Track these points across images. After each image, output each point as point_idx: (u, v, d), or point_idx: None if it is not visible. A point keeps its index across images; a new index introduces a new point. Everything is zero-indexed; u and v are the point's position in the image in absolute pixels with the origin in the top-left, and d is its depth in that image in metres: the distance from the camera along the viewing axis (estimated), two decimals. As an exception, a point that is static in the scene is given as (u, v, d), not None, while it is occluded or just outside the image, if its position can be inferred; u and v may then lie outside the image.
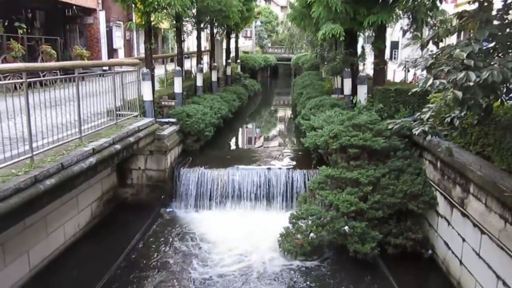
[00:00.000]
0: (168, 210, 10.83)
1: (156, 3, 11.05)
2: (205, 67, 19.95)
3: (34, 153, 6.22)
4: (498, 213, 5.88)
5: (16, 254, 7.01)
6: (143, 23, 11.86)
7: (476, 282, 6.55)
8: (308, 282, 7.80)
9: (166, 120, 12.08)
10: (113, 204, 10.63)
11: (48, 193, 6.09)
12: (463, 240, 7.01)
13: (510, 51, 4.91)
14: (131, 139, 9.24)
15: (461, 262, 7.11)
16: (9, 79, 9.01)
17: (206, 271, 8.12)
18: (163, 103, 12.68)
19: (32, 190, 5.69)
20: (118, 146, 8.46)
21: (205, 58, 21.14)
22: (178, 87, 13.88)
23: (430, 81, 4.84)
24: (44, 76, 12.42)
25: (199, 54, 18.30)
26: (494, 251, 6.00)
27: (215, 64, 19.78)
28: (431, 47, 5.40)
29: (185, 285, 7.61)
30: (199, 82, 17.14)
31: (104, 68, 13.13)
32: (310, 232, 8.49)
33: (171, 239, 9.40)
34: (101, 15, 21.39)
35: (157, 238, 9.43)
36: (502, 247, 5.74)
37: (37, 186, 5.80)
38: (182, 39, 16.60)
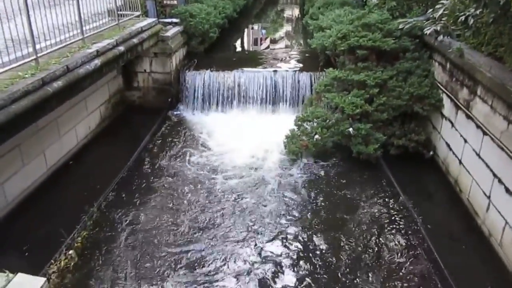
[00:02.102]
0: (175, 112, 11.00)
1: None
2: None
3: (38, 55, 6.16)
4: (503, 115, 5.92)
5: (33, 154, 7.32)
6: None
7: (472, 180, 6.83)
8: (310, 180, 8.19)
9: (169, 20, 11.66)
10: (121, 107, 10.77)
11: (57, 95, 6.17)
12: (465, 141, 7.16)
13: None
14: (135, 40, 9.05)
15: (460, 162, 7.34)
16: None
17: (213, 168, 8.51)
18: (165, 2, 12.11)
19: (41, 92, 5.76)
20: (122, 48, 8.32)
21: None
22: (180, -16, 13.14)
23: (447, -25, 4.54)
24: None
25: None
26: (494, 152, 6.16)
27: (219, -42, 18.45)
28: None
29: (195, 182, 8.03)
30: (202, -22, 16.16)
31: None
32: (315, 134, 8.68)
33: (179, 140, 9.69)
34: None
35: (166, 139, 9.73)
36: (503, 147, 5.88)
37: (45, 89, 5.85)
38: None
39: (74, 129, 8.62)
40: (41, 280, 2.51)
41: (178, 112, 11.03)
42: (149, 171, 8.40)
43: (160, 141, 9.63)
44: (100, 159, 8.63)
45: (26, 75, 5.75)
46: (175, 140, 9.71)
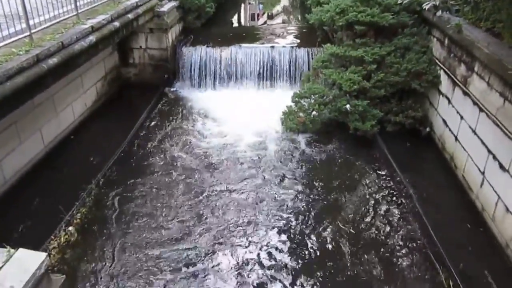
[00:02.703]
0: (172, 89, 10.94)
1: None
2: None
3: (32, 31, 6.07)
4: (499, 91, 5.93)
5: (30, 131, 7.30)
6: None
7: (468, 156, 6.89)
8: (307, 156, 8.24)
9: (165, -5, 11.45)
10: (117, 84, 10.70)
11: (52, 72, 6.11)
12: (461, 118, 7.18)
13: None
14: (130, 15, 8.91)
15: (456, 139, 7.39)
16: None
17: (210, 145, 8.55)
18: (160, -25, 11.88)
19: (36, 69, 5.71)
20: (117, 24, 8.20)
21: None
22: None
23: None
24: None
25: None
26: (489, 128, 6.19)
27: None
28: None
29: (191, 160, 8.07)
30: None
31: None
32: (312, 111, 8.69)
33: (176, 117, 9.69)
34: None
35: (163, 116, 9.72)
36: (498, 124, 5.91)
37: (40, 66, 5.80)
38: None
39: (71, 106, 8.59)
40: (43, 255, 2.56)
41: (175, 89, 10.97)
42: (146, 148, 8.42)
43: (157, 118, 9.62)
44: (98, 136, 8.63)
45: (20, 52, 5.68)
46: (172, 117, 9.70)
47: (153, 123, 9.39)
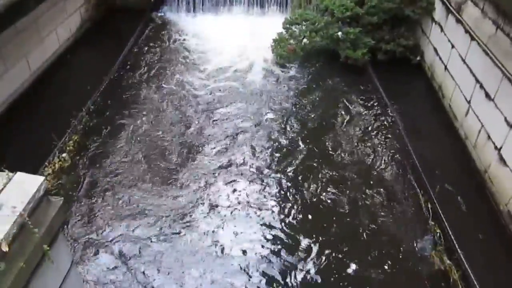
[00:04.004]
0: (159, 14, 10.57)
1: None
2: None
3: (8, -51, 5.72)
4: (492, 19, 5.86)
5: (15, 59, 7.10)
6: None
7: (456, 85, 6.97)
8: (297, 84, 8.25)
9: None
10: (102, 8, 10.23)
11: (33, -6, 5.87)
12: (452, 46, 7.15)
13: None
14: None
15: (446, 68, 7.41)
16: None
17: (200, 73, 8.48)
18: None
19: (16, -9, 5.47)
20: None
21: None
22: None
23: None
24: None
25: None
26: (479, 57, 6.20)
27: None
28: None
29: (180, 85, 8.04)
30: None
31: None
32: (303, 38, 8.54)
33: (164, 44, 9.47)
34: None
35: (150, 42, 9.48)
36: (488, 52, 5.92)
37: (21, -13, 5.55)
38: None
39: (55, 32, 8.30)
40: (40, 178, 2.66)
41: (162, 14, 10.59)
42: (134, 76, 8.32)
43: (144, 44, 9.39)
44: (85, 63, 8.46)
45: (-2, -28, 5.41)
46: (160, 43, 9.47)
47: (141, 49, 9.18)
